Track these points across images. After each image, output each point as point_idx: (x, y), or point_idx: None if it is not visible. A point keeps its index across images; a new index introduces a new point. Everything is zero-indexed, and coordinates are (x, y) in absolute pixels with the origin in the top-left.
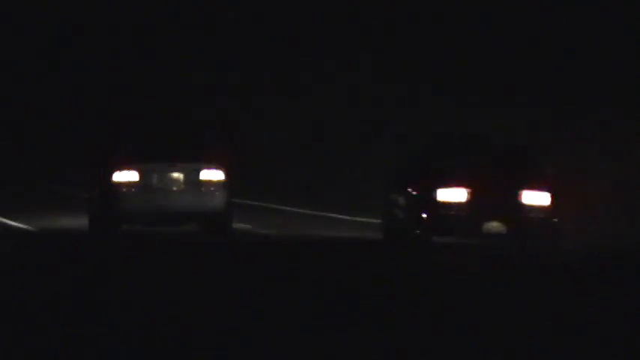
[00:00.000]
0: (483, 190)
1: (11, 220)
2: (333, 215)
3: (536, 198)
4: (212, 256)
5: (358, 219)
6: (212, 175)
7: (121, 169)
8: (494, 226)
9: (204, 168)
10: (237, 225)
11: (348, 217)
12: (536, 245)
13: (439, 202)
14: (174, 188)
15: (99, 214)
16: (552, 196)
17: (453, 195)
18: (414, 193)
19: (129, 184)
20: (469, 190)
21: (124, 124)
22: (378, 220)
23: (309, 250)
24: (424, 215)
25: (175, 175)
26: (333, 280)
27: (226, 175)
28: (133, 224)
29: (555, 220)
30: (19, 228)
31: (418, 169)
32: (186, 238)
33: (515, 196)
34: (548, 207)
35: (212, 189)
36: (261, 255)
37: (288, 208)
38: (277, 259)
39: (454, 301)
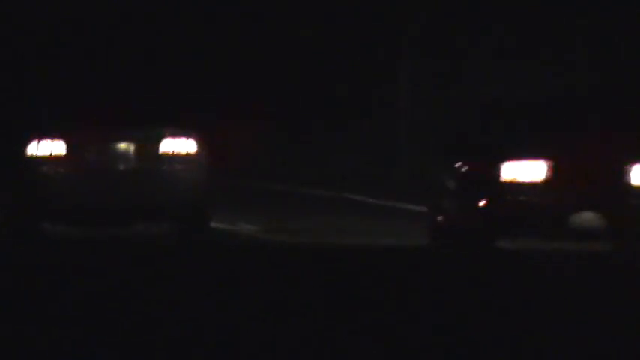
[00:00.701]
0: (572, 165)
1: None
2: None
3: None
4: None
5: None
6: (180, 146)
7: (40, 138)
8: (587, 218)
9: (167, 136)
10: (234, 226)
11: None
12: None
13: (505, 183)
14: (122, 167)
15: (11, 207)
16: None
17: (527, 171)
18: (469, 172)
19: (52, 162)
20: (550, 164)
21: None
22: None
23: (326, 264)
24: (483, 203)
25: (123, 146)
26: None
27: (200, 145)
28: (59, 223)
29: None
30: None
31: (475, 142)
32: (140, 241)
33: (621, 175)
34: None
35: (179, 167)
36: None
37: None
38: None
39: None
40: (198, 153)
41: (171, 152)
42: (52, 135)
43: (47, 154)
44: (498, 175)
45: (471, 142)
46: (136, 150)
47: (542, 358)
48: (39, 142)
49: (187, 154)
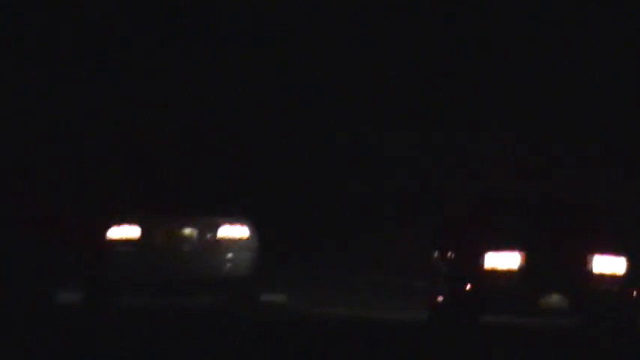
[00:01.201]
0: (541, 255)
1: None
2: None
3: (608, 264)
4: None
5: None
6: (234, 231)
7: (118, 223)
8: (554, 300)
9: (223, 223)
10: (269, 296)
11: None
12: (609, 325)
13: (486, 270)
14: (186, 249)
15: (91, 281)
16: (629, 262)
17: (504, 260)
18: (458, 260)
19: (129, 243)
20: (523, 254)
21: (125, 167)
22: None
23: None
24: (468, 287)
25: (187, 232)
26: None
27: (252, 231)
28: (134, 295)
29: (634, 292)
30: None
31: (462, 230)
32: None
33: (582, 264)
34: (624, 276)
35: (233, 249)
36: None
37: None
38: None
39: None
40: (249, 237)
41: (226, 237)
42: (128, 221)
43: (124, 237)
44: (481, 264)
45: (461, 230)
46: (198, 235)
47: None
48: (117, 226)
49: (240, 239)
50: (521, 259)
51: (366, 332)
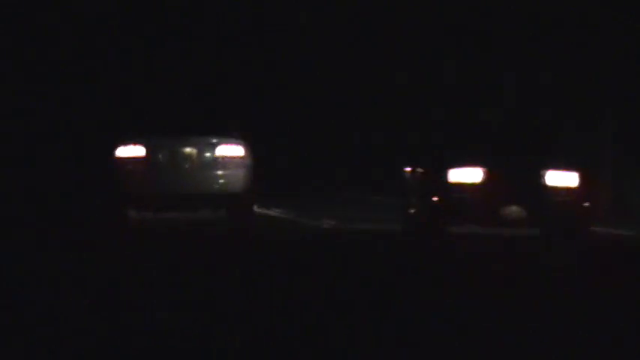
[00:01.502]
0: (501, 170)
1: None
2: None
3: (561, 178)
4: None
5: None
6: (230, 150)
7: (125, 144)
8: (513, 211)
9: (221, 143)
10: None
11: None
12: (563, 233)
13: (451, 185)
14: (186, 166)
15: (104, 197)
16: (582, 177)
17: (467, 176)
18: (426, 176)
19: (135, 161)
20: (485, 170)
21: (133, 92)
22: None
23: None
24: (435, 200)
25: (188, 151)
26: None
27: (247, 150)
28: (141, 209)
29: (585, 204)
30: None
31: (430, 147)
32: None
33: (537, 178)
34: (576, 189)
35: (230, 166)
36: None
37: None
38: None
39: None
40: (244, 156)
41: (223, 155)
42: (134, 142)
43: (131, 155)
44: (446, 179)
45: (427, 153)
46: (198, 153)
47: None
48: (125, 146)
49: (236, 157)
50: (483, 174)
51: (352, 239)
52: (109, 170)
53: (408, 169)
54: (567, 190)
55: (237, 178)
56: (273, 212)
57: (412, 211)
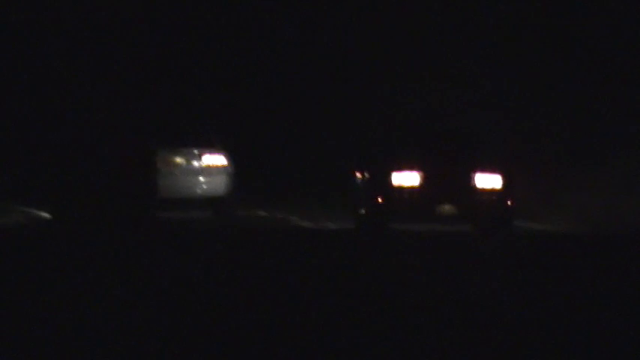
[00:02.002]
0: (435, 173)
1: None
2: None
3: (487, 180)
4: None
5: None
6: (214, 160)
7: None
8: (446, 208)
9: (206, 153)
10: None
11: None
12: (489, 227)
13: (393, 187)
14: (177, 172)
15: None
16: (505, 178)
17: (406, 178)
18: (372, 179)
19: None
20: (421, 173)
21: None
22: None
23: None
24: (380, 200)
25: (178, 160)
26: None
27: (228, 160)
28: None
29: (508, 202)
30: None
31: (375, 154)
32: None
33: (467, 180)
34: (501, 189)
35: (213, 173)
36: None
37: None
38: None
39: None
40: (226, 165)
41: (208, 164)
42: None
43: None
44: (389, 181)
45: (374, 154)
46: (187, 162)
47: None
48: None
49: (219, 166)
50: (420, 177)
51: (314, 237)
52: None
53: (358, 174)
54: (493, 191)
55: (221, 183)
56: (254, 212)
57: (362, 211)
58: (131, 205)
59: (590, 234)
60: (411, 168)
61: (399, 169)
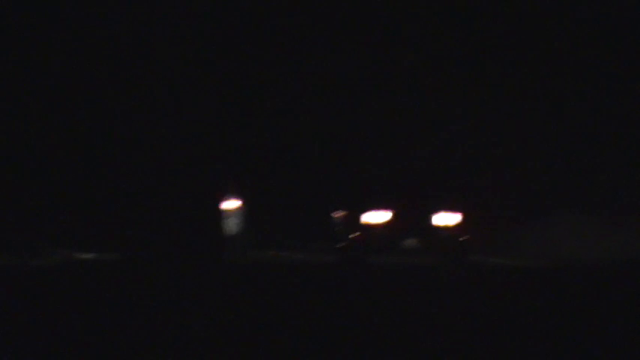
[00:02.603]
0: (403, 212)
1: None
2: None
3: (446, 218)
4: None
5: None
6: (230, 204)
7: None
8: (411, 243)
9: (225, 199)
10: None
11: None
12: (448, 260)
13: (367, 224)
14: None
15: None
16: (463, 216)
17: (378, 216)
18: (348, 218)
19: None
20: (392, 212)
21: None
22: None
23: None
24: (355, 235)
25: None
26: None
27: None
28: None
29: (464, 237)
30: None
31: (349, 197)
32: None
33: (429, 217)
34: (458, 226)
35: (230, 216)
36: None
37: None
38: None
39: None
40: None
41: (226, 208)
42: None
43: None
44: (361, 219)
45: (347, 200)
46: None
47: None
48: None
49: (235, 209)
50: (391, 215)
51: (297, 270)
52: None
53: (335, 213)
54: (451, 227)
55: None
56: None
57: (340, 245)
58: (200, 247)
59: (540, 266)
60: (382, 207)
61: (372, 208)
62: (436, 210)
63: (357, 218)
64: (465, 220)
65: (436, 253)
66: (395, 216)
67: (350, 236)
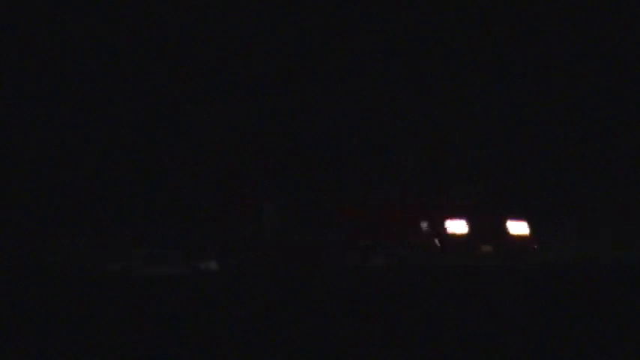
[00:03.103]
0: (478, 221)
1: None
2: None
3: (516, 227)
4: None
5: None
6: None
7: None
8: (487, 249)
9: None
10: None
11: None
12: (516, 261)
13: (447, 231)
14: None
15: None
16: (530, 226)
17: (457, 225)
18: (432, 225)
19: None
20: (468, 221)
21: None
22: None
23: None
24: (438, 240)
25: None
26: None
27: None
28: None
29: (535, 246)
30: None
31: (432, 208)
32: None
33: (502, 226)
34: (530, 235)
35: None
36: None
37: None
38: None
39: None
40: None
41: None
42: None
43: None
44: (444, 227)
45: (430, 209)
46: None
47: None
48: None
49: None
50: (467, 224)
51: (305, 272)
52: None
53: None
54: (521, 236)
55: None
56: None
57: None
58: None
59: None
60: (460, 216)
61: (451, 217)
62: (505, 218)
63: (442, 225)
64: (534, 228)
65: (508, 257)
66: (471, 224)
67: (436, 241)
